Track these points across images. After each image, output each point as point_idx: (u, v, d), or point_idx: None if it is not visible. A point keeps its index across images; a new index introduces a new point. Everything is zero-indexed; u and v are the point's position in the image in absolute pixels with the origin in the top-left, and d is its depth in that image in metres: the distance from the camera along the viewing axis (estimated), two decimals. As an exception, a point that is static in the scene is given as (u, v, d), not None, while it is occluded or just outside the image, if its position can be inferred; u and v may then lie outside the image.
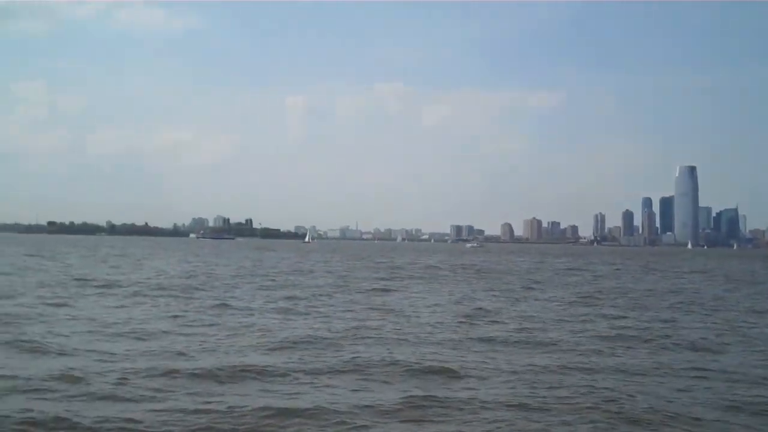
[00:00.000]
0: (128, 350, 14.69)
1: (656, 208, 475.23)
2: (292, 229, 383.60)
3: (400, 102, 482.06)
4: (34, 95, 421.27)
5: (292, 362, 13.78)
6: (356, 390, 11.71)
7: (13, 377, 11.77)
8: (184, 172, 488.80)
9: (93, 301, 24.71)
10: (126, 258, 65.30)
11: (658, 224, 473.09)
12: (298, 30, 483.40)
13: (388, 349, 15.45)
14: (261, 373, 12.67)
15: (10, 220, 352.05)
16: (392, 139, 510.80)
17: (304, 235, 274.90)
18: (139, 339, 16.31)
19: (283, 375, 12.66)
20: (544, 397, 11.29)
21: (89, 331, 17.17)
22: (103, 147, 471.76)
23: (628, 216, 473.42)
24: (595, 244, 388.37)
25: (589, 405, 10.74)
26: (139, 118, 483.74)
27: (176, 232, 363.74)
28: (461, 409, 10.55)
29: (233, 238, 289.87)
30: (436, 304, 26.08)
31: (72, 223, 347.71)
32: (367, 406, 10.58)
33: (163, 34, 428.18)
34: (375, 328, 18.81)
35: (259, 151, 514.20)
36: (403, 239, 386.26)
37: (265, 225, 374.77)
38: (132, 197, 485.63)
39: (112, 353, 14.27)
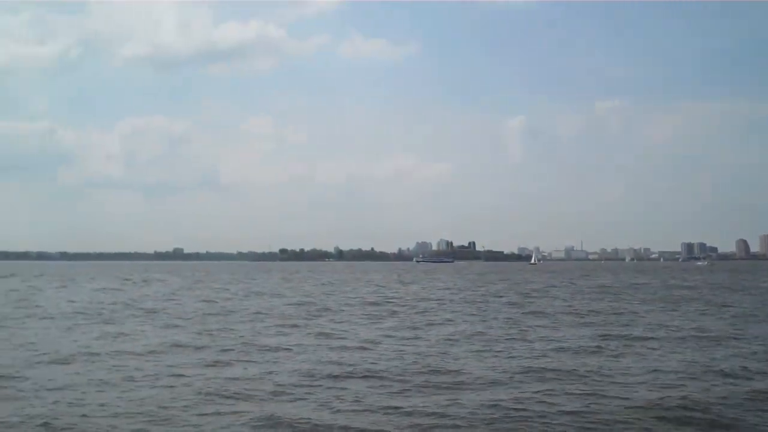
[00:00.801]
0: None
1: None
2: (515, 251, 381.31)
3: (622, 117, 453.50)
4: (263, 129, 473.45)
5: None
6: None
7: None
8: (408, 197, 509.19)
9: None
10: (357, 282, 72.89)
11: None
12: (517, 49, 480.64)
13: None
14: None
15: (245, 249, 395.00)
16: (615, 156, 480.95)
17: (528, 257, 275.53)
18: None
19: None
20: None
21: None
22: (329, 176, 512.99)
23: None
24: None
25: None
26: (362, 146, 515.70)
27: (400, 257, 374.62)
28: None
29: (451, 261, 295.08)
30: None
31: (302, 250, 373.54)
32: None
33: (383, 64, 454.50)
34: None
35: (481, 172, 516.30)
36: (631, 259, 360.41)
37: (488, 247, 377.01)
38: (358, 223, 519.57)
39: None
